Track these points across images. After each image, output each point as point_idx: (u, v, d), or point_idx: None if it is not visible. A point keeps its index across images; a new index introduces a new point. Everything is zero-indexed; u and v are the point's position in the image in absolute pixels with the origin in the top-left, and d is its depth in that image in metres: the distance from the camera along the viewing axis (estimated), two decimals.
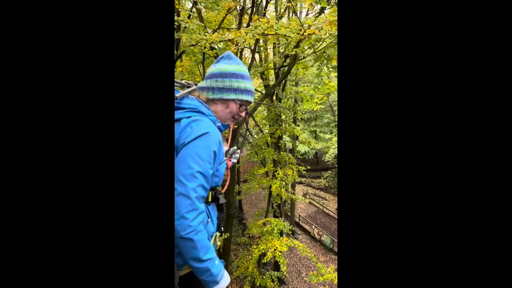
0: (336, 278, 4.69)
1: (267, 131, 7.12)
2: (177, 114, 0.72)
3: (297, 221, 12.90)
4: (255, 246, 5.38)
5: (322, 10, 4.41)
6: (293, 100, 7.31)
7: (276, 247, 4.91)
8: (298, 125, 8.92)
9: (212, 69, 0.82)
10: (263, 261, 6.06)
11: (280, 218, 5.83)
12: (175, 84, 0.89)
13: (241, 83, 0.80)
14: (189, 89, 0.83)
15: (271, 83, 6.45)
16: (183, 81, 0.90)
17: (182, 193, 0.60)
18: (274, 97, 6.34)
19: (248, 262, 6.19)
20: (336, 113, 14.82)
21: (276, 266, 7.59)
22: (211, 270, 0.63)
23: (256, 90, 7.23)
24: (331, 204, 15.16)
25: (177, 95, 0.77)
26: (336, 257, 10.60)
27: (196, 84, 0.90)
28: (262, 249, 5.08)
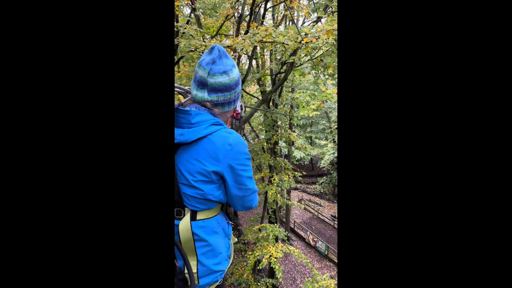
0: (331, 285, 4.67)
1: (263, 136, 7.14)
2: (200, 131, 0.71)
3: (292, 227, 12.84)
4: (250, 253, 5.34)
5: (318, 19, 4.50)
6: (289, 106, 7.36)
7: (272, 253, 4.87)
8: (294, 131, 8.97)
9: (220, 80, 0.75)
10: (258, 268, 6.00)
11: (275, 224, 5.81)
12: (178, 90, 0.90)
13: (240, 86, 0.82)
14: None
15: (268, 89, 6.51)
16: (186, 87, 0.91)
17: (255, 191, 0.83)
18: (271, 103, 6.39)
19: (243, 268, 6.12)
20: (332, 119, 14.95)
21: (271, 273, 7.51)
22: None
23: (252, 96, 7.28)
24: (326, 210, 15.15)
25: (183, 101, 0.78)
26: (331, 263, 10.55)
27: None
28: (258, 255, 5.05)
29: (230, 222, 0.88)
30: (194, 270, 0.74)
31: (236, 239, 0.94)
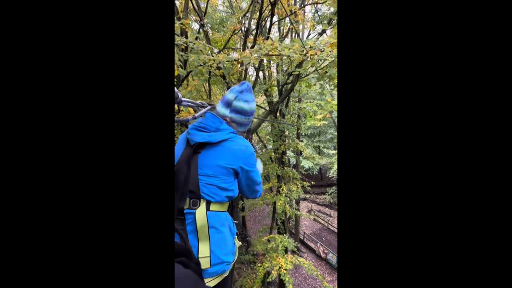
0: None
1: (271, 146, 7.16)
2: (224, 135, 0.92)
3: (302, 238, 12.57)
4: (259, 264, 5.26)
5: (323, 31, 4.61)
6: (297, 116, 7.40)
7: (281, 265, 4.79)
8: (302, 141, 8.95)
9: (242, 105, 0.99)
10: (268, 280, 5.88)
11: (284, 235, 5.72)
12: (190, 104, 0.97)
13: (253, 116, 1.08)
14: (206, 109, 0.93)
15: (275, 99, 6.59)
16: (198, 102, 0.98)
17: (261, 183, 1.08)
18: (278, 113, 6.45)
19: (252, 281, 6.02)
20: None
21: (281, 285, 7.33)
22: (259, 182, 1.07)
23: (260, 106, 7.37)
24: (336, 221, 14.72)
25: (196, 114, 0.85)
26: None
27: (210, 104, 1.00)
28: (267, 267, 4.96)
29: (236, 221, 1.03)
30: (207, 254, 0.85)
31: (240, 243, 1.03)
